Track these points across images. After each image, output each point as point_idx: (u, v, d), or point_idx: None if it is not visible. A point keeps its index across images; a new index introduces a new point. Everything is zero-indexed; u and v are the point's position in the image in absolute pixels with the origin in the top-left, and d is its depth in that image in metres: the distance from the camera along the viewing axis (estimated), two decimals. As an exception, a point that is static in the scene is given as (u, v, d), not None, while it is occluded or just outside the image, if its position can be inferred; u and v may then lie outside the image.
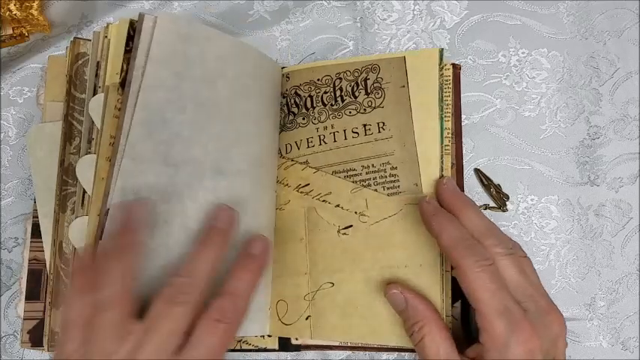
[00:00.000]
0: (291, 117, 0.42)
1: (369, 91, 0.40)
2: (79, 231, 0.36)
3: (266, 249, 0.35)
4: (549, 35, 0.44)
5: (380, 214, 0.38)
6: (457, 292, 0.37)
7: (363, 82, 0.40)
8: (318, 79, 0.41)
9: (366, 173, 0.39)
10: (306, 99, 0.42)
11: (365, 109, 0.40)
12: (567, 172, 0.42)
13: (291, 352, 0.41)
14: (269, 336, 0.40)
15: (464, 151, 0.42)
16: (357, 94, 0.40)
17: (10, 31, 0.45)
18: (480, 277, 0.32)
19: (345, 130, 0.40)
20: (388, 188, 0.39)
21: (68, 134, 0.39)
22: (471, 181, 0.42)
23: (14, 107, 0.45)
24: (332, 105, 0.41)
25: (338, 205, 0.39)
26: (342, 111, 0.40)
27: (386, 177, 0.39)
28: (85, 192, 0.37)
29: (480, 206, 0.41)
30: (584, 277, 0.41)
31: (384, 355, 0.41)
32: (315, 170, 0.40)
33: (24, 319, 0.39)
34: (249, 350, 0.40)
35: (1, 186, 0.43)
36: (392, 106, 0.39)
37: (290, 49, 0.46)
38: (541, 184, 0.42)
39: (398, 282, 0.37)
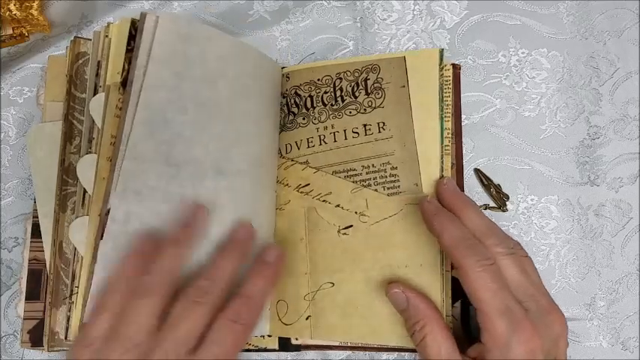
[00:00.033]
0: (291, 117, 0.42)
1: (369, 91, 0.40)
2: (79, 231, 0.36)
3: (280, 257, 0.37)
4: (549, 35, 0.44)
5: (380, 214, 0.38)
6: (457, 292, 0.37)
7: (363, 82, 0.40)
8: (319, 79, 0.41)
9: (367, 173, 0.39)
10: (306, 99, 0.42)
11: (365, 109, 0.40)
12: (567, 172, 0.42)
13: (291, 352, 0.41)
14: (269, 336, 0.40)
15: (464, 151, 0.42)
16: (357, 94, 0.40)
17: (10, 31, 0.45)
18: (481, 277, 0.32)
19: (345, 130, 0.40)
20: (388, 188, 0.39)
21: (68, 134, 0.39)
22: (471, 181, 0.42)
23: (14, 107, 0.44)
24: (332, 105, 0.41)
25: (338, 205, 0.39)
26: (343, 111, 0.40)
27: (386, 177, 0.39)
28: (85, 192, 0.37)
29: (480, 206, 0.41)
30: (584, 277, 0.41)
31: (384, 355, 0.41)
32: (315, 170, 0.40)
33: (24, 319, 0.39)
34: (249, 350, 0.40)
35: (1, 186, 0.43)
36: (392, 106, 0.39)
37: (290, 49, 0.46)
38: (541, 184, 0.42)
39: (399, 281, 0.37)
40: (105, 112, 0.37)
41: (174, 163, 0.36)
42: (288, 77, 0.42)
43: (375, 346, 0.39)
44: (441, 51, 0.40)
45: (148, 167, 0.35)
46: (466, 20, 0.45)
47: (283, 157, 0.41)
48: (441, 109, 0.39)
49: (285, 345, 0.40)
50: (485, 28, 0.44)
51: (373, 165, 0.39)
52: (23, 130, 0.44)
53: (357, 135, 0.40)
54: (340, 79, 0.41)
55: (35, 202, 0.40)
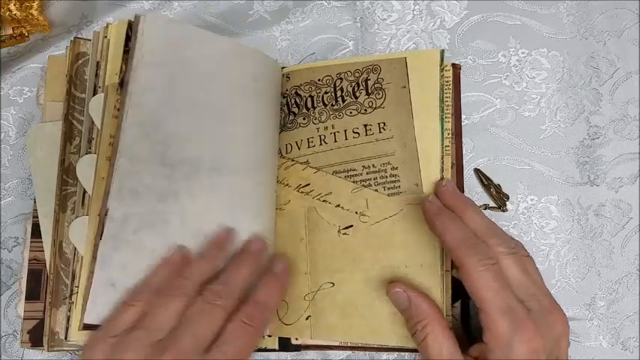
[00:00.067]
0: (291, 117, 0.42)
1: (369, 91, 0.40)
2: (79, 231, 0.36)
3: (287, 270, 0.38)
4: (549, 35, 0.44)
5: (380, 214, 0.38)
6: (457, 292, 0.37)
7: (363, 83, 0.40)
8: (319, 80, 0.41)
9: (367, 173, 0.39)
10: (306, 99, 0.42)
11: (366, 110, 0.40)
12: (567, 172, 0.42)
13: (291, 352, 0.41)
14: (269, 336, 0.40)
15: (464, 151, 0.42)
16: (357, 94, 0.40)
17: (10, 31, 0.45)
18: (483, 276, 0.32)
19: (345, 131, 0.40)
20: (389, 188, 0.39)
21: (68, 134, 0.39)
22: (471, 181, 0.42)
23: (14, 107, 0.44)
24: (333, 105, 0.41)
25: (338, 205, 0.39)
26: (343, 111, 0.40)
27: (386, 177, 0.39)
28: (85, 192, 0.37)
29: (480, 206, 0.41)
30: (584, 277, 0.41)
31: (384, 355, 0.41)
32: (315, 170, 0.40)
33: (24, 319, 0.39)
34: (250, 350, 0.40)
35: (1, 186, 0.43)
36: (393, 106, 0.39)
37: (290, 49, 0.46)
38: (541, 184, 0.42)
39: (400, 281, 0.37)
40: (104, 113, 0.37)
41: (170, 163, 0.36)
42: (289, 77, 0.42)
43: (375, 346, 0.39)
44: (442, 52, 0.40)
45: (144, 167, 0.35)
46: (466, 20, 0.45)
47: (283, 157, 0.41)
48: (442, 110, 0.39)
49: (285, 345, 0.40)
50: (485, 28, 0.44)
51: (374, 165, 0.39)
52: (23, 130, 0.44)
53: (357, 135, 0.40)
54: (341, 79, 0.41)
55: (35, 202, 0.40)
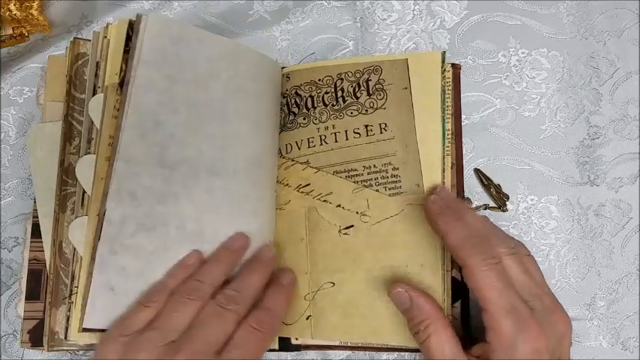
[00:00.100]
0: (291, 117, 0.42)
1: (371, 92, 0.40)
2: (78, 231, 0.36)
3: (294, 280, 0.39)
4: (549, 35, 0.44)
5: (381, 215, 0.38)
6: (457, 292, 0.37)
7: (364, 83, 0.40)
8: (319, 80, 0.41)
9: (368, 174, 0.39)
10: (306, 99, 0.42)
11: (367, 110, 0.40)
12: (567, 172, 0.42)
13: (291, 352, 0.41)
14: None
15: (464, 151, 0.42)
16: (358, 94, 0.40)
17: (10, 31, 0.45)
18: (487, 276, 0.32)
19: (346, 131, 0.40)
20: (390, 189, 0.39)
21: (68, 134, 0.39)
22: (471, 181, 0.42)
23: (14, 107, 0.44)
24: (333, 105, 0.41)
25: (339, 205, 0.39)
26: (344, 111, 0.40)
27: (387, 177, 0.39)
28: (84, 192, 0.37)
29: (480, 206, 0.41)
30: (584, 277, 0.41)
31: (384, 355, 0.41)
32: (315, 170, 0.40)
33: (24, 319, 0.39)
34: (250, 350, 0.40)
35: (1, 186, 0.43)
36: (394, 107, 0.39)
37: (290, 49, 0.46)
38: (541, 184, 0.42)
39: (402, 281, 0.37)
40: (103, 113, 0.37)
41: (168, 164, 0.36)
42: (289, 77, 0.42)
43: (375, 346, 0.39)
44: (443, 53, 0.40)
45: (141, 169, 0.35)
46: (466, 20, 0.45)
47: (283, 157, 0.41)
48: (443, 111, 0.39)
49: (285, 345, 0.40)
50: (485, 28, 0.44)
51: (374, 165, 0.39)
52: (23, 130, 0.44)
53: (358, 135, 0.40)
54: (341, 79, 0.41)
55: (35, 202, 0.40)
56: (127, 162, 0.35)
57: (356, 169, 0.39)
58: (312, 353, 0.41)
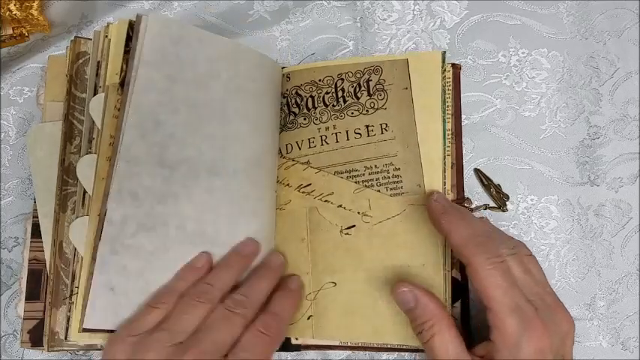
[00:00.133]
0: (291, 117, 0.42)
1: (371, 92, 0.40)
2: (79, 231, 0.36)
3: (301, 286, 0.39)
4: (549, 35, 0.44)
5: (383, 215, 0.38)
6: (457, 292, 0.37)
7: (365, 84, 0.40)
8: (320, 80, 0.41)
9: (369, 174, 0.39)
10: (307, 99, 0.42)
11: (367, 110, 0.40)
12: (567, 172, 0.42)
13: (291, 352, 0.41)
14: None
15: (464, 151, 0.42)
16: (359, 95, 0.40)
17: (10, 31, 0.45)
18: (491, 275, 0.32)
19: (347, 131, 0.40)
20: (391, 189, 0.39)
21: (69, 134, 0.39)
22: (471, 181, 0.42)
23: (14, 107, 0.44)
24: (334, 106, 0.41)
25: (340, 206, 0.39)
26: (344, 112, 0.40)
27: (389, 178, 0.39)
28: (85, 192, 0.37)
29: (480, 206, 0.41)
30: (584, 277, 0.41)
31: (384, 355, 0.41)
32: (316, 170, 0.40)
33: (24, 319, 0.39)
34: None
35: (1, 186, 0.43)
36: (395, 107, 0.39)
37: (290, 49, 0.46)
38: (541, 184, 0.42)
39: (406, 281, 0.36)
40: (104, 113, 0.37)
41: (168, 164, 0.36)
42: (289, 77, 0.42)
43: (376, 345, 0.39)
44: (444, 53, 0.40)
45: (142, 169, 0.35)
46: (466, 20, 0.45)
47: (284, 157, 0.41)
48: (444, 112, 0.39)
49: (285, 345, 0.40)
50: (485, 28, 0.44)
51: (376, 166, 0.39)
52: (23, 130, 0.44)
53: (359, 136, 0.40)
54: (342, 79, 0.41)
55: (35, 202, 0.40)
56: (128, 162, 0.35)
57: (357, 170, 0.39)
58: (312, 353, 0.41)
